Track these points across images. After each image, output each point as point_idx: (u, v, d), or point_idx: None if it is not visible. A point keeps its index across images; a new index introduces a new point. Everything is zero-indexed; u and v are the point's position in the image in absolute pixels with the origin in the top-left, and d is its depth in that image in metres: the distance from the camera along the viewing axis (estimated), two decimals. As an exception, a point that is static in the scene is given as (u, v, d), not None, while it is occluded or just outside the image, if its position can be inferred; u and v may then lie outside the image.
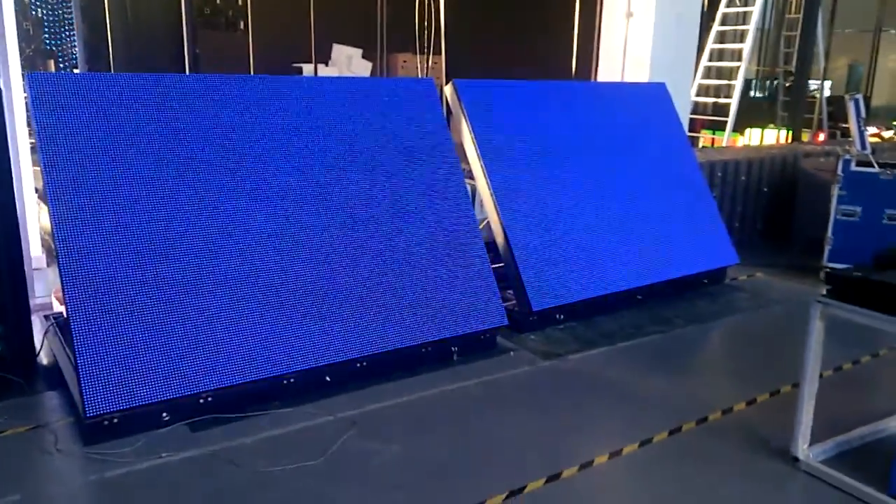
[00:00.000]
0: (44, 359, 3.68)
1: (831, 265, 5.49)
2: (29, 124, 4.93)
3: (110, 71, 8.11)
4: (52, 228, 3.04)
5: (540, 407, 3.46)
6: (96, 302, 2.99)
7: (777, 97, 11.55)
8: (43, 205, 5.38)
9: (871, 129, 12.20)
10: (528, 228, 4.44)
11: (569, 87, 5.42)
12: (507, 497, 2.68)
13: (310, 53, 9.83)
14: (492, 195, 4.40)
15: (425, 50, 9.33)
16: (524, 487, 2.74)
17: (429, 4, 8.93)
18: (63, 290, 2.97)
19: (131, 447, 2.90)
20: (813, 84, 11.25)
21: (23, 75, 4.70)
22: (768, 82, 12.43)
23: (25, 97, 4.80)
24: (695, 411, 3.38)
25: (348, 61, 10.87)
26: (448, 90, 4.67)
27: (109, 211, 3.16)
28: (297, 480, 2.75)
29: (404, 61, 11.17)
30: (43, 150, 3.11)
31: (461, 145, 4.59)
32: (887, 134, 11.72)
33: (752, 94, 12.11)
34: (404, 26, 9.65)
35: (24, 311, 3.55)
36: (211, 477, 2.76)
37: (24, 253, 3.64)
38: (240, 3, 10.07)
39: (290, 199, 3.63)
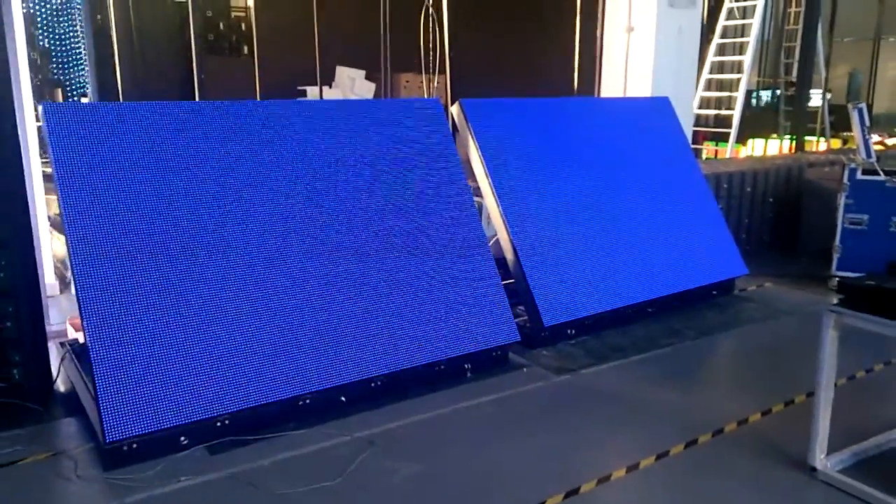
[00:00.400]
0: (60, 386, 3.70)
1: (840, 274, 5.49)
2: (42, 153, 5.01)
3: (119, 99, 8.21)
4: (69, 255, 3.08)
5: (555, 422, 3.46)
6: (114, 328, 3.02)
7: (779, 107, 11.60)
8: (56, 232, 5.44)
9: (875, 137, 12.23)
10: (538, 244, 4.46)
11: (574, 103, 5.47)
12: (526, 513, 2.69)
13: (314, 76, 9.93)
14: (500, 212, 4.44)
15: (429, 70, 9.41)
16: (543, 503, 2.74)
17: (431, 24, 9.03)
18: (81, 317, 3.00)
19: (151, 472, 2.91)
20: (814, 93, 11.31)
21: (35, 105, 4.78)
22: (771, 91, 12.50)
23: (38, 126, 4.88)
24: (710, 423, 3.38)
25: (352, 83, 10.98)
26: (455, 109, 4.72)
27: (126, 238, 3.20)
28: (316, 501, 2.76)
29: (406, 81, 11.27)
30: (59, 178, 3.16)
31: (468, 163, 4.64)
32: (890, 141, 11.74)
33: (755, 102, 12.17)
34: (407, 47, 9.74)
35: (40, 339, 3.58)
36: (230, 500, 2.77)
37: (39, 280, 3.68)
38: (243, 28, 10.19)
39: (302, 223, 3.67)
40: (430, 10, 8.86)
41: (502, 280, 4.21)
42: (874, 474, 2.88)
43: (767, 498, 2.82)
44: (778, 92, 11.96)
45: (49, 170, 3.75)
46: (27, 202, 3.48)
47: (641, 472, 2.99)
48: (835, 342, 2.83)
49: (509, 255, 4.43)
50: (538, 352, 4.27)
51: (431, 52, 9.21)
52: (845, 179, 5.56)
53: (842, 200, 5.60)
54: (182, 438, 3.06)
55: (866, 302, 2.72)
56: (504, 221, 4.42)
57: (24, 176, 3.46)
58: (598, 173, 5.02)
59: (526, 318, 4.38)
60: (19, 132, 3.52)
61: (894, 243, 5.35)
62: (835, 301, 2.85)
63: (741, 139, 10.78)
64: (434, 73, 9.38)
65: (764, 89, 12.93)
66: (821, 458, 2.90)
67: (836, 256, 5.67)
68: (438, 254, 4.01)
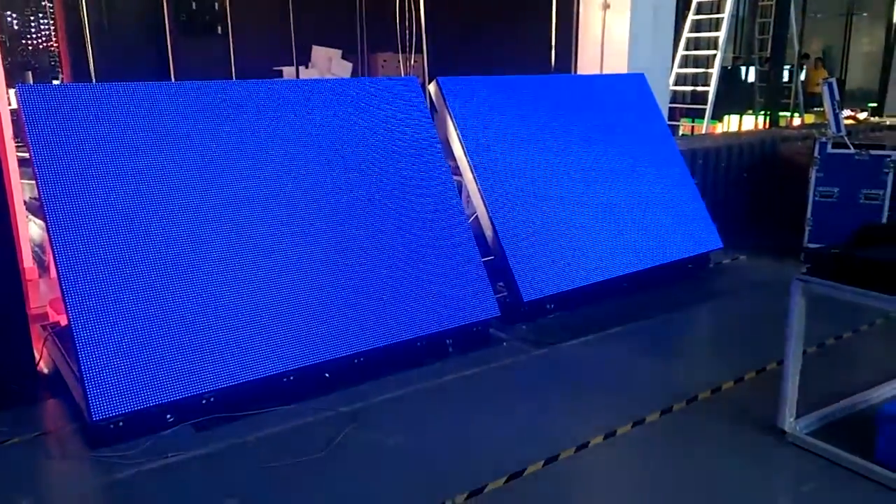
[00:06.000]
0: (44, 368, 3.71)
1: (812, 246, 5.61)
2: (15, 137, 4.95)
3: (91, 80, 8.11)
4: (49, 237, 3.08)
5: (534, 394, 3.55)
6: (97, 308, 3.04)
7: (754, 83, 11.72)
8: (33, 217, 5.40)
9: (847, 112, 12.41)
10: (516, 221, 4.52)
11: (550, 81, 5.51)
12: (507, 480, 2.76)
13: (290, 56, 9.87)
14: (479, 190, 4.49)
15: (406, 49, 9.38)
16: (524, 470, 2.82)
17: (408, 3, 8.99)
18: (64, 298, 3.01)
19: (138, 449, 2.95)
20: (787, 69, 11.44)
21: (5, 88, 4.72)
22: (745, 68, 12.62)
23: (11, 109, 4.82)
24: (684, 391, 3.48)
25: (328, 63, 10.91)
26: (432, 88, 4.74)
27: (106, 217, 3.21)
28: (302, 474, 2.82)
29: (384, 61, 11.23)
30: (37, 161, 3.15)
31: (447, 142, 4.67)
32: (862, 116, 11.92)
33: (730, 78, 12.28)
34: (384, 26, 9.70)
35: (22, 322, 3.58)
36: (217, 474, 2.82)
37: (18, 264, 3.66)
38: (216, 7, 10.08)
39: (284, 202, 3.70)
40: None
41: (482, 257, 4.27)
42: (840, 436, 2.99)
43: (738, 460, 2.92)
44: (752, 68, 12.07)
45: (23, 154, 3.73)
46: (3, 187, 3.45)
47: (618, 439, 3.09)
48: (802, 310, 2.92)
49: (488, 233, 4.48)
50: (518, 326, 4.35)
51: (408, 31, 9.18)
52: (816, 153, 5.67)
53: (813, 174, 5.71)
54: (168, 416, 3.10)
55: (831, 270, 2.81)
56: (483, 199, 4.47)
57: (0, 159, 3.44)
58: (575, 150, 5.08)
59: (505, 293, 4.45)
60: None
61: (864, 215, 5.47)
62: (803, 270, 2.94)
63: (718, 116, 10.89)
64: (411, 52, 9.36)
65: (743, 65, 13.04)
66: (790, 421, 3.01)
67: (808, 229, 5.79)
68: (418, 232, 4.05)
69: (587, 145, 5.16)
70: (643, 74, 5.97)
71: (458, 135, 4.57)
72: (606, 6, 7.26)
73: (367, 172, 4.03)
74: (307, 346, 3.46)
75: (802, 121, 11.64)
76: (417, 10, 8.78)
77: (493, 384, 3.64)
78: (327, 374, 3.52)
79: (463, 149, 4.55)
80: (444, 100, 4.63)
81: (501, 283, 4.48)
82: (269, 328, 3.40)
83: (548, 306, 4.53)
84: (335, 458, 2.92)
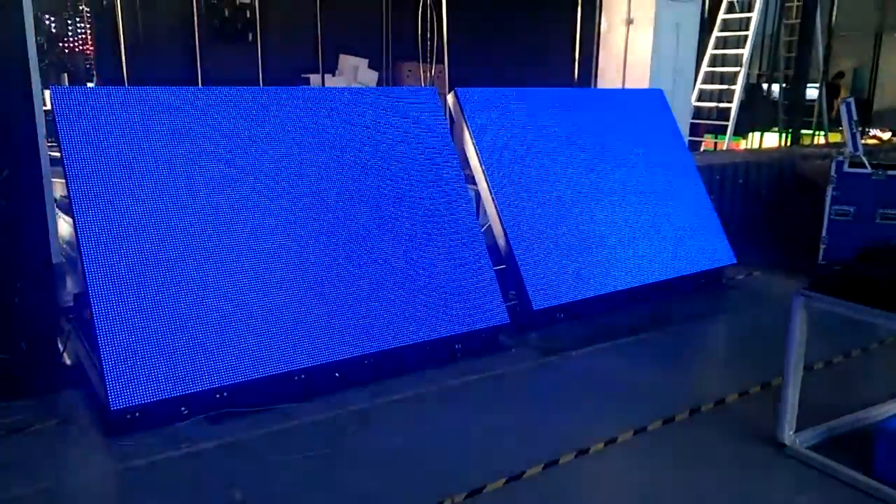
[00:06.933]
0: (67, 359, 3.85)
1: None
2: (49, 137, 5.14)
3: (124, 84, 8.34)
4: (76, 234, 3.23)
5: (539, 400, 3.62)
6: (119, 303, 3.17)
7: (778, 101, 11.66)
8: (63, 214, 5.58)
9: (874, 132, 12.31)
10: (529, 231, 4.60)
11: (568, 94, 5.58)
12: (506, 482, 2.83)
13: (317, 63, 10.04)
14: (493, 199, 4.57)
15: (428, 59, 9.51)
16: (523, 473, 2.89)
17: (431, 14, 9.12)
18: (87, 292, 3.15)
19: (152, 439, 3.07)
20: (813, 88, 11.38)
21: (42, 89, 4.90)
22: (768, 85, 12.55)
23: (46, 110, 5.01)
24: (688, 402, 3.52)
25: (355, 71, 11.08)
26: (450, 98, 4.84)
27: (131, 216, 3.34)
28: (307, 470, 2.91)
29: (409, 70, 11.37)
30: (67, 160, 3.30)
31: (463, 151, 4.76)
32: (886, 136, 11.81)
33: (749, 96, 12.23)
34: (409, 36, 9.84)
35: (49, 314, 3.72)
36: (228, 466, 2.93)
37: (47, 259, 3.81)
38: (248, 15, 10.30)
39: (302, 205, 3.81)
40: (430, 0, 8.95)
41: (494, 265, 4.35)
42: (840, 451, 3.02)
43: (734, 471, 2.97)
44: (775, 85, 12.00)
45: (55, 154, 3.88)
46: (41, 185, 3.60)
47: (619, 446, 3.15)
48: (804, 324, 2.96)
49: (501, 241, 4.56)
50: (527, 334, 4.41)
51: (429, 42, 9.31)
52: (832, 172, 5.68)
53: (829, 192, 5.71)
54: (182, 408, 3.22)
55: (834, 286, 2.85)
56: (496, 208, 4.56)
57: (38, 159, 3.59)
58: (590, 162, 5.14)
59: (516, 301, 4.52)
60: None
61: (880, 234, 5.46)
62: (804, 286, 2.98)
63: (742, 132, 10.85)
64: (432, 62, 9.48)
65: (766, 82, 12.97)
66: (789, 435, 3.05)
67: (822, 247, 5.79)
68: (431, 238, 4.15)
69: (603, 158, 5.23)
70: (661, 90, 6.03)
71: (473, 144, 4.66)
72: (630, 21, 7.32)
73: (382, 179, 4.14)
74: (318, 346, 3.56)
75: (827, 140, 11.55)
76: (440, 20, 8.90)
77: (498, 389, 3.71)
78: (337, 374, 3.62)
79: (478, 158, 4.64)
80: (462, 110, 4.73)
81: (513, 292, 4.55)
82: (282, 328, 3.51)
83: (558, 315, 4.59)
84: (341, 456, 3.01)
